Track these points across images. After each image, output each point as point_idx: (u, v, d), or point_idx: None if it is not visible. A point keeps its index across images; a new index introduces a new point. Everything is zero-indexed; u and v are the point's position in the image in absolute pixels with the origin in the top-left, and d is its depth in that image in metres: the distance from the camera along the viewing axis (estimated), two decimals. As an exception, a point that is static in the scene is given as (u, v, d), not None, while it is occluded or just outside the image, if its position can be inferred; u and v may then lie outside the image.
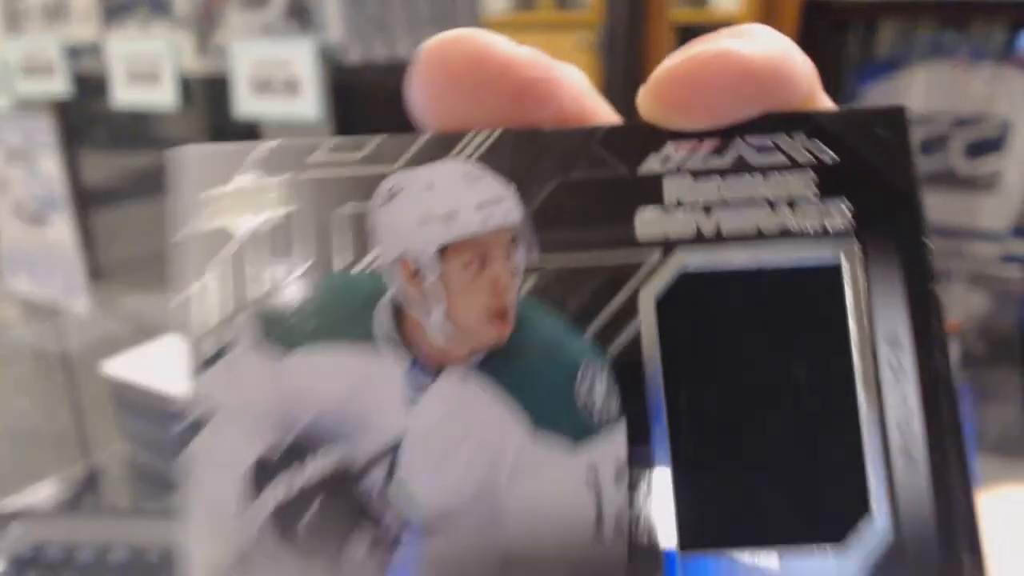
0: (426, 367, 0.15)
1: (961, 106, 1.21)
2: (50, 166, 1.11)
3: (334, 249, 0.16)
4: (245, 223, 0.16)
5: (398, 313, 0.16)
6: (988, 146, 1.20)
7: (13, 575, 0.61)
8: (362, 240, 0.16)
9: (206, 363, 0.15)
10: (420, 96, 0.16)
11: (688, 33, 0.16)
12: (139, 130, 1.26)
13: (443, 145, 0.16)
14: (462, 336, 0.15)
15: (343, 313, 0.16)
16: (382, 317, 0.16)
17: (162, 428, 0.81)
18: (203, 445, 0.15)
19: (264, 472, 0.15)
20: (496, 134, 0.16)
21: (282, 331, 0.15)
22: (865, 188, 0.15)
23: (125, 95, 0.94)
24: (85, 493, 0.91)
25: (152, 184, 1.30)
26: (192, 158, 0.16)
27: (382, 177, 0.16)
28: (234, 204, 0.16)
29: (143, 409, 0.83)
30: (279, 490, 0.15)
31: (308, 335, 0.15)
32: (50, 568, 0.61)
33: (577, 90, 0.16)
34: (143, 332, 1.01)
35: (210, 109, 1.16)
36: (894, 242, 0.15)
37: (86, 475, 0.93)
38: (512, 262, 0.15)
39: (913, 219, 0.15)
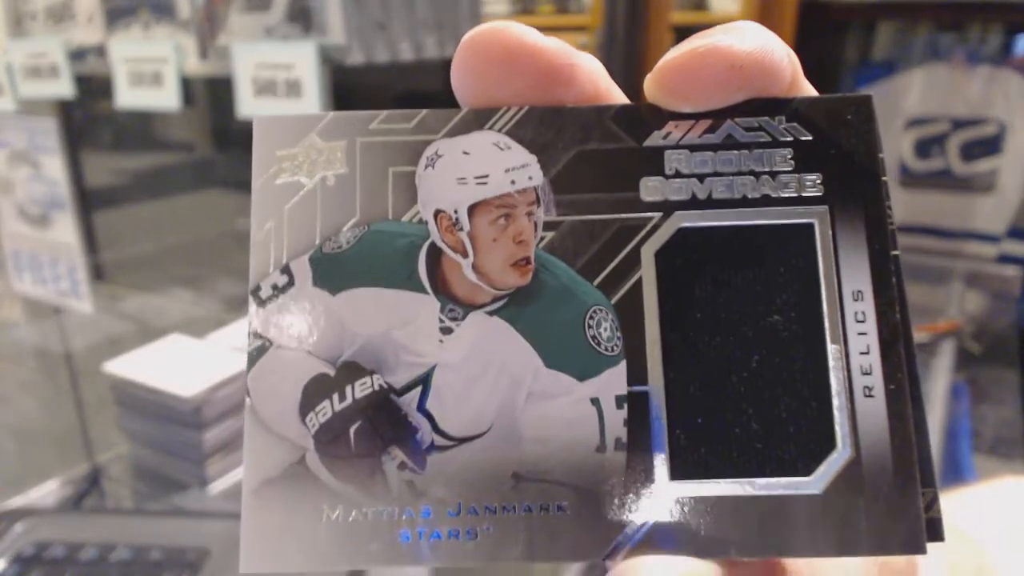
0: (457, 306, 0.18)
1: (958, 108, 1.22)
2: (54, 167, 1.11)
3: (384, 202, 0.18)
4: (310, 178, 0.18)
5: (436, 259, 0.18)
6: (985, 148, 1.21)
7: (16, 574, 0.61)
8: (408, 195, 0.18)
9: (268, 299, 0.18)
10: (461, 77, 0.18)
11: (687, 34, 0.18)
12: (142, 132, 1.26)
13: (479, 118, 0.18)
14: (488, 280, 0.18)
15: (389, 257, 0.18)
16: (422, 262, 0.18)
17: (165, 427, 0.81)
18: (261, 371, 0.18)
19: (314, 395, 0.17)
20: (524, 110, 0.18)
21: (336, 271, 0.18)
22: (835, 163, 0.18)
23: (128, 97, 0.94)
24: (88, 492, 0.91)
25: (155, 185, 1.31)
26: (269, 123, 0.19)
27: (427, 144, 0.18)
28: (302, 162, 0.18)
29: (145, 409, 0.83)
30: (326, 411, 0.17)
31: (358, 275, 0.18)
32: (53, 567, 0.61)
33: (594, 74, 0.18)
34: (146, 332, 1.01)
35: (212, 111, 1.17)
36: (859, 209, 0.17)
37: (89, 474, 0.93)
38: (534, 219, 0.18)
39: (875, 191, 0.17)
